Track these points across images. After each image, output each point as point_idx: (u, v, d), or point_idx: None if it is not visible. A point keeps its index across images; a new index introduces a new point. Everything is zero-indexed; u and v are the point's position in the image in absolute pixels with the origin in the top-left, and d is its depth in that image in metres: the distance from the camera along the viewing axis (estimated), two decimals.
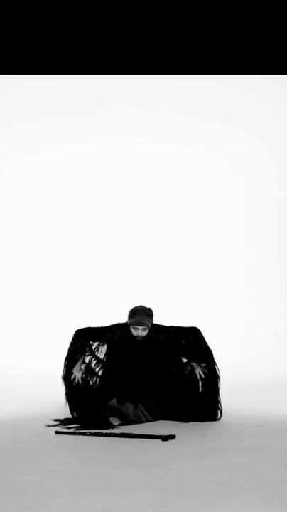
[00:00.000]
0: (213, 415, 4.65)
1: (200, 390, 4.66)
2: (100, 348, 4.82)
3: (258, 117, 7.83)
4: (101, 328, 4.82)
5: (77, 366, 4.62)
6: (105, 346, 4.79)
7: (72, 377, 4.58)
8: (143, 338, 4.60)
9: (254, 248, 7.85)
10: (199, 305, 7.64)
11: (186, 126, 7.84)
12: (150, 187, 7.83)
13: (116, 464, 3.28)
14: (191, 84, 7.68)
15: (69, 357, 4.76)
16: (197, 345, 4.81)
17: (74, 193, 7.80)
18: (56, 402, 5.21)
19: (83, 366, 4.65)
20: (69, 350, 4.80)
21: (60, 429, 4.18)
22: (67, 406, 4.65)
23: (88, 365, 4.72)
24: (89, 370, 4.71)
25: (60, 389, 5.13)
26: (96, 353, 4.80)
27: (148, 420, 4.50)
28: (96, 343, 4.81)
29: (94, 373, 4.72)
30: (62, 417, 4.65)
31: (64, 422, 4.51)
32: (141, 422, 4.46)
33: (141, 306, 4.67)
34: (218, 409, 4.71)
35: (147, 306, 4.75)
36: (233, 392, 5.81)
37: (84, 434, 4.02)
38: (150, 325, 4.62)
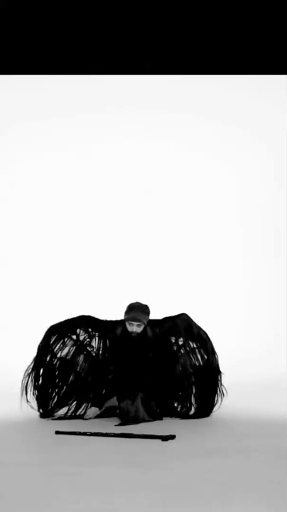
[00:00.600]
0: (207, 410, 4.71)
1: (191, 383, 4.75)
2: (94, 340, 4.86)
3: (258, 117, 7.82)
4: (101, 321, 4.89)
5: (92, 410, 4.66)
6: (96, 339, 4.84)
7: (86, 416, 4.61)
8: (139, 334, 4.62)
9: (254, 248, 7.85)
10: (199, 305, 7.63)
11: (186, 126, 7.83)
12: (150, 187, 7.82)
13: (116, 464, 3.28)
14: (191, 85, 7.67)
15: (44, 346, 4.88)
16: (190, 330, 4.90)
17: (73, 193, 7.79)
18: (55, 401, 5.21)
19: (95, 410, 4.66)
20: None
21: (60, 427, 4.19)
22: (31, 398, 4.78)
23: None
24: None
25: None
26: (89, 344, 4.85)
27: (145, 420, 4.49)
28: (86, 335, 4.86)
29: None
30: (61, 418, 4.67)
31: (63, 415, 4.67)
32: (138, 418, 4.45)
33: (137, 303, 4.71)
34: (213, 405, 4.77)
35: (144, 303, 4.77)
36: (233, 392, 5.81)
37: (85, 434, 4.02)
38: (145, 322, 4.65)
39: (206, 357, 4.87)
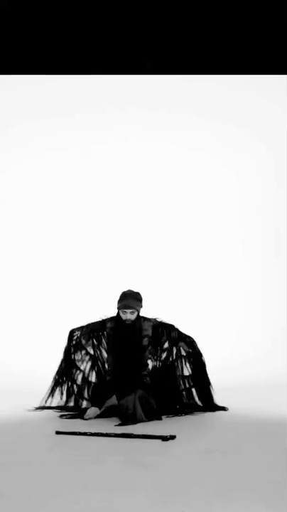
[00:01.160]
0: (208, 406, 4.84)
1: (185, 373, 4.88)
2: (101, 342, 4.91)
3: (258, 117, 7.82)
4: (93, 323, 4.95)
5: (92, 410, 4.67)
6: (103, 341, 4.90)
7: (86, 416, 4.63)
8: (133, 322, 4.66)
9: (254, 248, 7.85)
10: (199, 305, 7.64)
11: (186, 126, 7.83)
12: (150, 187, 7.82)
13: (116, 464, 3.28)
14: (191, 85, 7.67)
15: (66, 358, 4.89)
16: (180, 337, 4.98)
17: (73, 194, 7.79)
18: (55, 402, 5.21)
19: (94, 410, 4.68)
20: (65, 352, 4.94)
21: (60, 427, 4.19)
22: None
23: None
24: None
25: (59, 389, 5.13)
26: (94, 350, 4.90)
27: (142, 420, 4.48)
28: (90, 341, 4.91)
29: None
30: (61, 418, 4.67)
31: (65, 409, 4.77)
32: (136, 417, 4.44)
33: (129, 290, 4.77)
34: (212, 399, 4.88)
35: (135, 290, 4.83)
36: (233, 392, 5.81)
37: (85, 434, 4.02)
38: (138, 308, 4.71)
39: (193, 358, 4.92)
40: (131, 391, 4.53)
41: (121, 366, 4.69)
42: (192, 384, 4.94)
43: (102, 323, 4.91)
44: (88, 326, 4.99)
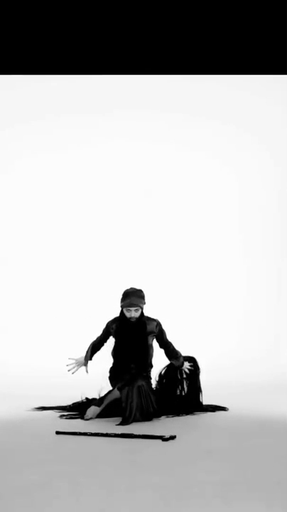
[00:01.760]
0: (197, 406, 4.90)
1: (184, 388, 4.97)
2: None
3: (258, 117, 7.83)
4: (102, 334, 4.96)
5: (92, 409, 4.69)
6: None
7: (86, 416, 4.66)
8: (137, 319, 4.70)
9: (254, 248, 7.86)
10: (200, 305, 7.65)
11: (186, 126, 7.84)
12: (150, 187, 7.83)
13: (116, 464, 3.28)
14: (191, 84, 7.68)
15: None
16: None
17: (73, 193, 7.80)
18: (56, 402, 5.22)
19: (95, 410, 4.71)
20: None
21: (60, 427, 4.19)
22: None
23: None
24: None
25: (58, 389, 5.14)
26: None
27: (136, 418, 4.49)
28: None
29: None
30: (61, 418, 4.68)
31: (68, 408, 4.85)
32: (132, 412, 4.45)
33: (131, 288, 4.79)
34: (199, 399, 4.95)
35: (138, 287, 4.85)
36: (233, 392, 5.82)
37: (85, 434, 4.02)
38: (142, 306, 4.73)
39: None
40: (133, 380, 4.52)
41: (125, 362, 4.69)
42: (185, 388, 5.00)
43: (107, 330, 4.90)
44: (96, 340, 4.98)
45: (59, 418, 4.66)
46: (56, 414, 4.81)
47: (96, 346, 4.96)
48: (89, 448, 3.67)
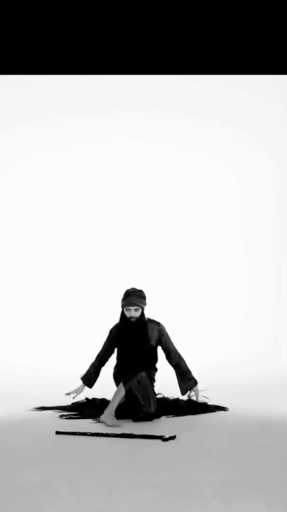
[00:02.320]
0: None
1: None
2: None
3: (258, 117, 7.83)
4: (107, 342, 4.88)
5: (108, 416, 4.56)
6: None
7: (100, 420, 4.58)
8: (138, 320, 4.66)
9: (254, 248, 7.86)
10: (200, 306, 7.65)
11: (186, 126, 7.84)
12: (150, 187, 7.83)
13: (116, 464, 3.28)
14: (191, 84, 7.68)
15: None
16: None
17: (73, 193, 7.80)
18: (55, 401, 5.21)
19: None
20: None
21: (60, 427, 4.19)
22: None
23: None
24: None
25: (59, 389, 5.14)
26: None
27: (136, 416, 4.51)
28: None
29: None
30: (61, 418, 4.68)
31: (68, 408, 4.84)
32: (150, 393, 4.49)
33: (132, 288, 4.75)
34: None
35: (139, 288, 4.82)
36: (233, 392, 5.82)
37: (85, 434, 4.02)
38: (142, 306, 4.70)
39: None
40: (136, 372, 4.50)
41: (128, 364, 4.67)
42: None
43: (111, 335, 4.84)
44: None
45: (59, 418, 4.66)
46: (56, 414, 4.81)
47: (102, 358, 4.82)
48: (89, 448, 3.67)
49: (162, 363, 4.91)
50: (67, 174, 7.75)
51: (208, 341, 7.22)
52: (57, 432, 4.05)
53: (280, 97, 7.83)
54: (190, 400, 4.96)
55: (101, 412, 4.59)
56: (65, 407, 4.99)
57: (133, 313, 4.67)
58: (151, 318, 4.84)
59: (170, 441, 3.80)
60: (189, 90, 7.76)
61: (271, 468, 3.14)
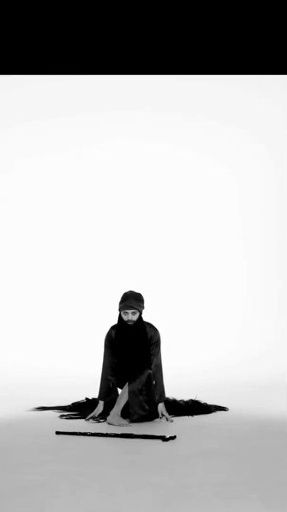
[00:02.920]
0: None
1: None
2: None
3: (258, 117, 7.84)
4: (108, 350, 4.78)
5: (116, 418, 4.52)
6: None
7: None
8: (135, 323, 4.58)
9: (254, 248, 7.85)
10: (200, 305, 7.64)
11: (187, 127, 7.84)
12: (150, 187, 7.83)
13: (116, 464, 3.28)
14: (191, 84, 7.68)
15: None
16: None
17: (73, 193, 7.80)
18: (56, 402, 5.22)
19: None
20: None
21: (60, 427, 4.19)
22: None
23: None
24: None
25: (58, 389, 5.14)
26: None
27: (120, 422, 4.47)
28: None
29: None
30: (61, 418, 4.68)
31: (68, 408, 4.84)
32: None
33: (130, 291, 4.67)
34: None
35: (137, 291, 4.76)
36: (233, 392, 5.81)
37: (85, 434, 4.02)
38: (140, 309, 4.61)
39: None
40: (139, 373, 4.49)
41: (126, 367, 4.64)
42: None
43: (108, 339, 4.75)
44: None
45: (59, 418, 4.66)
46: (56, 414, 4.81)
47: (107, 368, 4.69)
48: (89, 448, 3.67)
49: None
50: (67, 174, 7.75)
51: (208, 341, 7.22)
52: (57, 432, 4.05)
53: (280, 97, 7.83)
54: (190, 400, 4.96)
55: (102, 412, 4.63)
56: (65, 407, 4.99)
57: (131, 316, 4.57)
58: (150, 322, 4.74)
59: (170, 441, 3.80)
60: (189, 90, 7.76)
61: (270, 469, 3.14)
